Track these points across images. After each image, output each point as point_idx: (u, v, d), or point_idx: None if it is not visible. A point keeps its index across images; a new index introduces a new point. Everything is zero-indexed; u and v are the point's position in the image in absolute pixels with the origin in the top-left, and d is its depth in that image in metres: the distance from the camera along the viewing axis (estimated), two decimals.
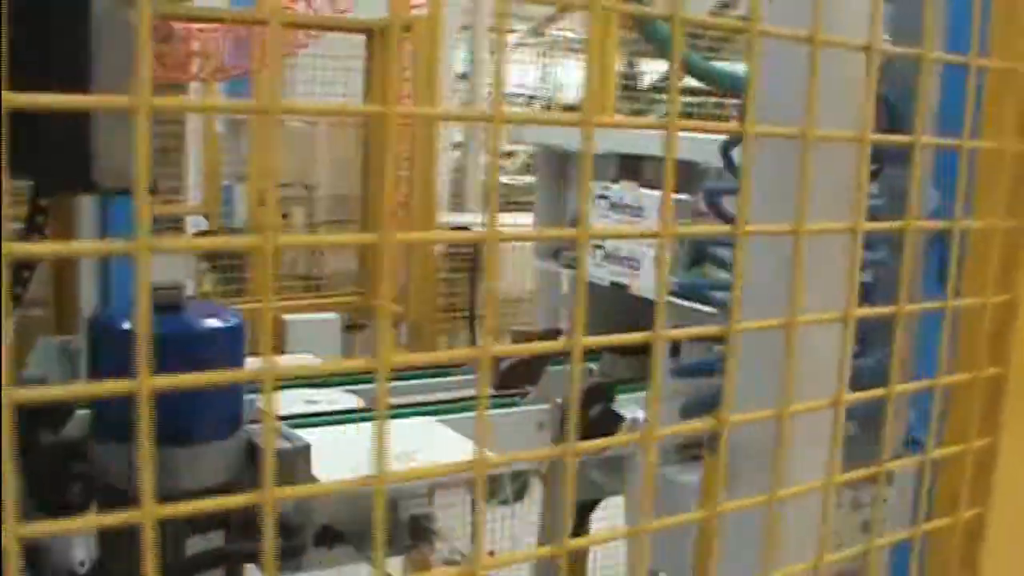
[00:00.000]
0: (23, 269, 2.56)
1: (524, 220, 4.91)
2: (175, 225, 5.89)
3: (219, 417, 1.41)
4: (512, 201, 6.97)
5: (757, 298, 0.83)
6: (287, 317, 3.91)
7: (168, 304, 1.43)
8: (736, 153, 1.17)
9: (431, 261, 3.42)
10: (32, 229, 2.51)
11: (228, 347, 1.44)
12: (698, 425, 0.71)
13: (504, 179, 9.03)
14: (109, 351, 1.42)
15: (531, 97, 10.93)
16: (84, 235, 2.54)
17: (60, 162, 1.05)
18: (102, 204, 2.61)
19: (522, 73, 11.03)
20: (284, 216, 4.46)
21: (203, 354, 1.40)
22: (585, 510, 3.00)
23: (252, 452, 1.50)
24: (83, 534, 1.77)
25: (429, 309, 3.44)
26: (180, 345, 1.39)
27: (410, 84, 3.64)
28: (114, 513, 1.43)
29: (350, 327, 4.45)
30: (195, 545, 1.43)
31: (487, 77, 6.96)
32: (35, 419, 2.10)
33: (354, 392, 2.34)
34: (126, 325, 1.41)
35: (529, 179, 9.31)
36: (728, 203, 1.21)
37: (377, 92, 3.67)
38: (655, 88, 9.96)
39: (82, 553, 1.73)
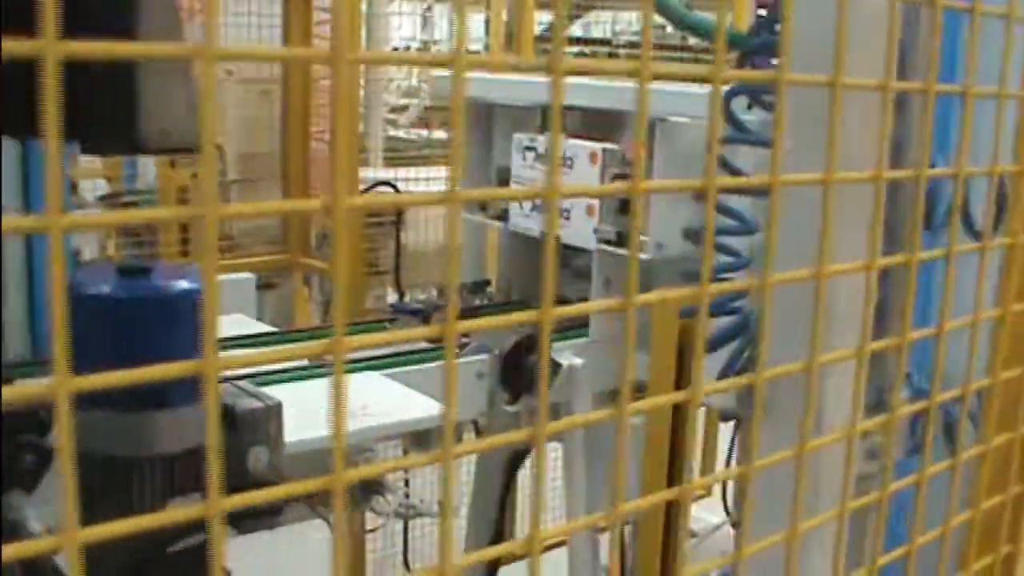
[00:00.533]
0: None
1: (429, 174, 4.92)
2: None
3: (193, 379, 1.41)
4: (413, 155, 6.96)
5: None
6: None
7: (135, 268, 1.42)
8: (736, 104, 1.20)
9: (355, 217, 3.41)
10: None
11: (195, 310, 1.43)
12: (738, 382, 0.73)
13: (400, 134, 8.99)
14: (75, 318, 1.40)
15: (420, 50, 10.84)
16: (5, 181, 2.46)
17: (105, 122, 1.03)
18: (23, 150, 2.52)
19: (405, 25, 10.91)
20: (194, 176, 4.39)
21: (176, 316, 1.40)
22: (518, 459, 3.05)
23: (226, 413, 1.50)
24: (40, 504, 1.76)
25: (355, 265, 3.43)
26: (152, 308, 1.38)
27: (323, 40, 3.62)
28: (93, 480, 1.40)
29: (263, 286, 4.42)
30: (176, 508, 1.43)
31: (379, 29, 6.92)
32: None
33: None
34: (92, 291, 1.40)
35: (422, 132, 9.28)
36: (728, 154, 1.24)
37: (296, 43, 3.63)
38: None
39: (37, 525, 1.72)
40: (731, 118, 1.20)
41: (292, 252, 3.85)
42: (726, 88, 1.22)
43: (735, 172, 1.21)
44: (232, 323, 2.69)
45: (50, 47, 0.35)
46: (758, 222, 1.25)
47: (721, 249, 1.25)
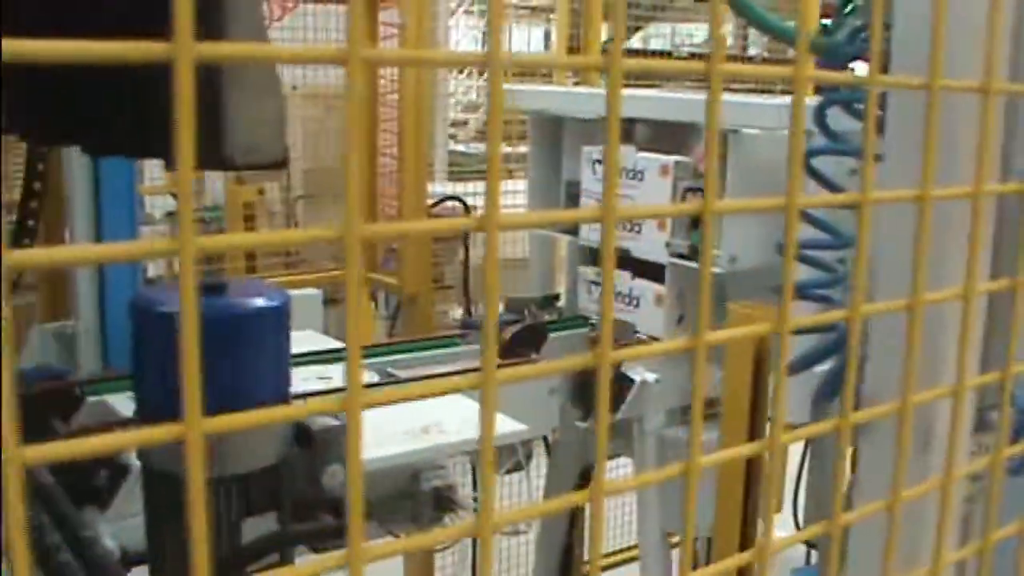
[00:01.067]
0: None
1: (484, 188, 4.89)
2: None
3: (268, 397, 1.40)
4: (473, 170, 6.94)
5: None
6: None
7: (212, 285, 1.41)
8: (831, 115, 1.16)
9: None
10: (30, 196, 2.46)
11: (275, 327, 1.42)
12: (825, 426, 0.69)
13: (460, 148, 8.99)
14: (153, 335, 1.40)
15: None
16: (77, 199, 2.48)
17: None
18: (94, 169, 2.54)
19: (467, 40, 10.93)
20: (260, 192, 4.41)
21: (251, 335, 1.38)
22: (588, 473, 3.02)
23: (299, 432, 1.48)
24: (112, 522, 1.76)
25: (423, 281, 3.41)
26: (227, 327, 1.37)
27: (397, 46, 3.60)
28: (162, 497, 1.39)
29: (328, 301, 4.42)
30: (251, 527, 1.41)
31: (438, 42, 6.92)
32: (45, 409, 2.07)
33: (367, 367, 2.33)
34: (166, 308, 1.39)
35: (482, 146, 9.27)
36: (819, 165, 1.19)
37: (354, 65, 3.61)
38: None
39: (111, 542, 1.71)
40: (822, 126, 1.16)
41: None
42: (819, 99, 1.18)
43: (826, 182, 1.17)
44: (303, 339, 2.69)
45: (183, 48, 0.32)
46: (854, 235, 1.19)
47: (814, 264, 1.20)
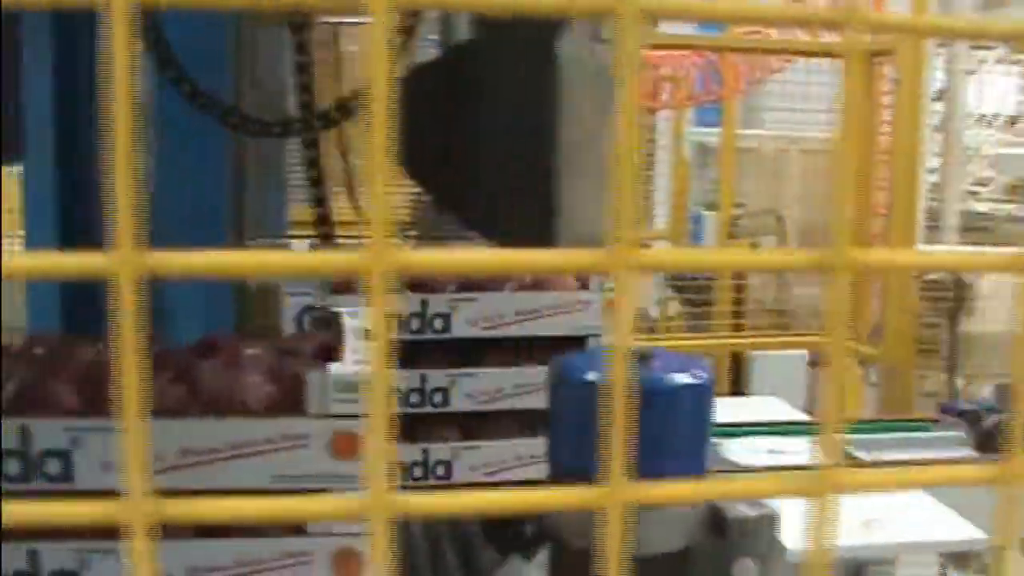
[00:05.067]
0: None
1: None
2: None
3: (683, 475, 1.33)
4: (988, 231, 6.45)
5: None
6: (753, 353, 3.81)
7: (639, 353, 1.37)
8: None
9: (908, 296, 3.19)
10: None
11: (697, 404, 1.36)
12: None
13: (981, 207, 8.41)
14: (572, 401, 1.38)
15: (1013, 119, 10.14)
16: None
17: (522, 221, 1.02)
18: None
19: (1002, 93, 10.25)
20: (753, 245, 4.36)
21: (671, 410, 1.33)
22: None
23: (713, 519, 1.40)
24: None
25: (904, 350, 3.20)
26: (649, 399, 1.32)
27: (890, 109, 3.44)
28: (564, 570, 1.37)
29: (814, 363, 4.28)
30: None
31: (963, 96, 6.51)
32: None
33: None
34: (589, 376, 1.36)
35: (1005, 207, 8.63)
36: None
37: (848, 118, 3.47)
38: None
39: None
40: None
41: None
42: None
43: None
44: (764, 407, 2.60)
45: None
46: None
47: None
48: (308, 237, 4.57)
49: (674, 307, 5.00)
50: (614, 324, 0.35)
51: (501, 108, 0.97)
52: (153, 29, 2.60)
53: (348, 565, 1.09)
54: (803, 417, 2.72)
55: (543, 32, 0.87)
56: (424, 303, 1.63)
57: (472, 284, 1.64)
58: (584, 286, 1.69)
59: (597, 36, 0.88)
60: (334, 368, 1.08)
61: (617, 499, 0.35)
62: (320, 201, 2.56)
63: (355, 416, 1.06)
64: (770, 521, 1.43)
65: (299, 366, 1.20)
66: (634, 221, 0.33)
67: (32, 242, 2.57)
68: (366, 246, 0.30)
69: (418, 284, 1.64)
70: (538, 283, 1.67)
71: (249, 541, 1.09)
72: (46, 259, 0.29)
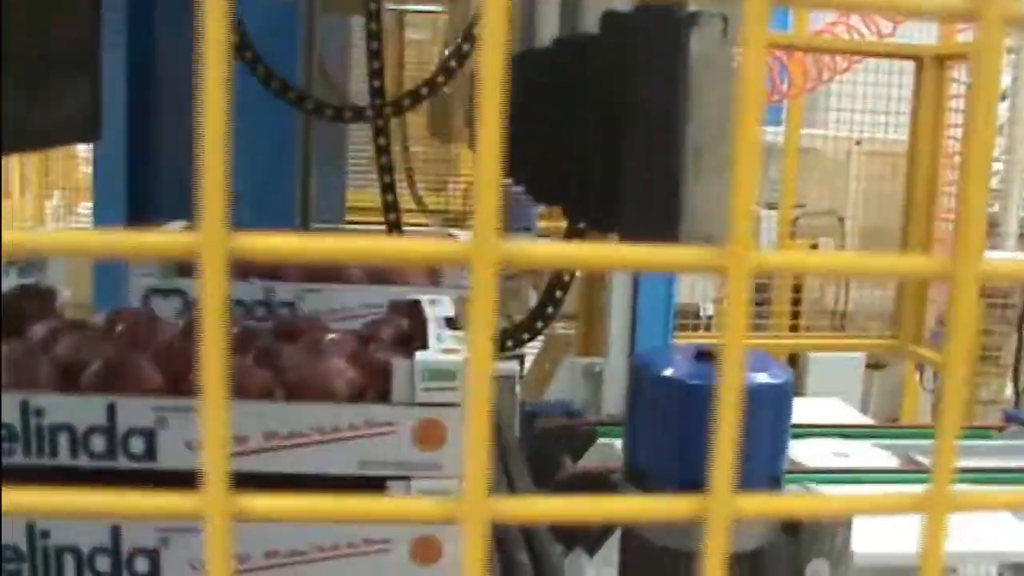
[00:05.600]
0: (558, 288, 2.62)
1: None
2: None
3: (760, 477, 1.32)
4: None
5: None
6: (810, 354, 3.78)
7: (713, 354, 1.36)
8: None
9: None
10: (574, 235, 2.54)
11: (777, 404, 1.34)
12: None
13: None
14: (649, 397, 1.37)
15: None
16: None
17: (648, 218, 1.01)
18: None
19: None
20: (813, 247, 4.32)
21: (751, 411, 1.32)
22: None
23: (787, 520, 1.39)
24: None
25: (969, 357, 3.16)
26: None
27: (962, 113, 3.40)
28: (650, 568, 1.36)
29: (872, 365, 4.24)
30: None
31: None
32: (558, 444, 2.13)
33: (886, 448, 2.18)
34: (666, 372, 1.35)
35: None
36: None
37: (923, 122, 3.44)
38: None
39: None
40: None
41: (903, 338, 3.63)
42: None
43: None
44: (825, 408, 2.57)
45: None
46: None
47: None
48: (368, 223, 4.58)
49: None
50: (727, 325, 0.33)
51: (629, 102, 0.97)
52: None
53: (428, 552, 1.09)
54: (864, 420, 2.70)
55: (673, 27, 0.86)
56: (269, 291, 1.61)
57: (320, 274, 1.60)
58: (435, 282, 1.63)
59: (726, 34, 0.87)
60: (420, 356, 1.08)
61: (725, 511, 0.33)
62: (389, 188, 2.57)
63: (442, 405, 1.06)
64: (844, 524, 1.42)
65: (382, 352, 1.20)
66: (753, 222, 0.32)
67: (100, 220, 2.59)
68: (472, 236, 0.29)
69: (265, 272, 1.60)
70: (386, 276, 1.61)
71: (328, 526, 1.09)
72: (138, 238, 0.29)
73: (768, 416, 1.33)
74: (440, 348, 1.11)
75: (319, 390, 1.11)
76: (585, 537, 1.76)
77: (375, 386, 1.13)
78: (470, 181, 6.40)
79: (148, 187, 2.54)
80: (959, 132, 3.43)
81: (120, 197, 2.52)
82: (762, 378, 1.33)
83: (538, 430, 2.13)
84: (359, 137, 4.34)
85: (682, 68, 0.86)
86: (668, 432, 1.35)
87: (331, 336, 1.27)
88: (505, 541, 1.63)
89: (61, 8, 1.61)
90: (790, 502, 0.37)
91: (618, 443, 2.04)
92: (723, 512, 0.33)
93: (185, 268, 1.56)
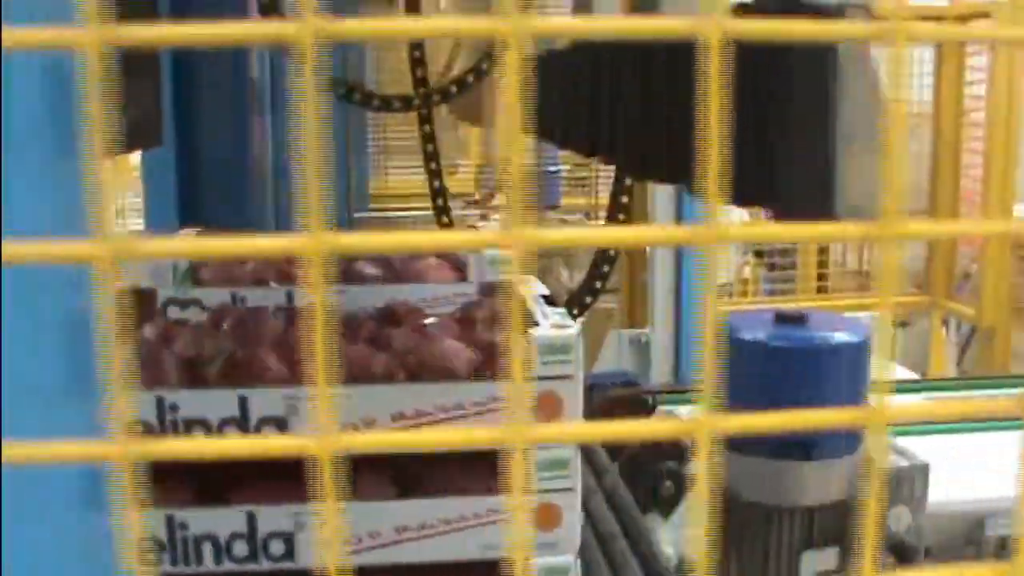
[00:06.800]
0: (604, 263, 2.68)
1: None
2: None
3: (844, 433, 1.38)
4: None
5: None
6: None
7: (792, 316, 1.42)
8: None
9: (1004, 257, 3.20)
10: (618, 209, 2.59)
11: (855, 363, 1.40)
12: None
13: None
14: (729, 361, 1.43)
15: None
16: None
17: (801, 192, 1.06)
18: (676, 199, 2.66)
19: None
20: None
21: (831, 369, 1.38)
22: None
23: (868, 468, 1.45)
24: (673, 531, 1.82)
25: (1001, 312, 3.21)
26: (808, 359, 1.37)
27: (980, 72, 3.44)
28: (730, 522, 1.42)
29: (897, 324, 4.29)
30: (810, 560, 1.41)
31: None
32: (619, 414, 2.18)
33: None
34: (748, 336, 1.42)
35: None
36: None
37: (946, 80, 3.49)
38: None
39: (669, 549, 1.77)
40: None
41: (934, 294, 3.69)
42: None
43: None
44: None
45: None
46: None
47: None
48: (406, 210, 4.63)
49: (747, 271, 5.02)
50: (879, 295, 0.35)
51: (781, 92, 1.02)
52: (272, 5, 2.66)
53: (549, 518, 1.15)
54: (911, 376, 2.75)
55: (823, 14, 0.91)
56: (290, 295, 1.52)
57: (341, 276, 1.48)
58: (462, 277, 1.57)
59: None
60: (536, 332, 1.13)
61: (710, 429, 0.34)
62: (436, 174, 2.62)
63: (559, 378, 1.12)
64: (922, 472, 1.48)
65: (488, 332, 1.26)
66: (901, 198, 0.34)
67: (152, 224, 2.64)
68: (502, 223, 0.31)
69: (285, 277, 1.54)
70: (408, 275, 1.54)
71: (451, 500, 1.15)
72: (239, 242, 0.31)
73: (849, 371, 1.39)
74: (550, 324, 1.16)
75: (440, 370, 1.17)
76: (661, 501, 1.82)
77: (490, 364, 1.19)
78: (479, 164, 6.45)
79: (196, 187, 2.58)
80: (982, 89, 3.48)
81: (170, 197, 2.56)
82: (842, 337, 1.39)
83: (598, 399, 2.18)
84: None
85: (831, 59, 0.91)
86: (750, 394, 1.41)
87: (430, 320, 1.33)
88: (593, 513, 1.69)
89: (131, 12, 1.65)
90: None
91: (678, 410, 2.09)
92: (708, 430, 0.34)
93: (199, 279, 1.58)
